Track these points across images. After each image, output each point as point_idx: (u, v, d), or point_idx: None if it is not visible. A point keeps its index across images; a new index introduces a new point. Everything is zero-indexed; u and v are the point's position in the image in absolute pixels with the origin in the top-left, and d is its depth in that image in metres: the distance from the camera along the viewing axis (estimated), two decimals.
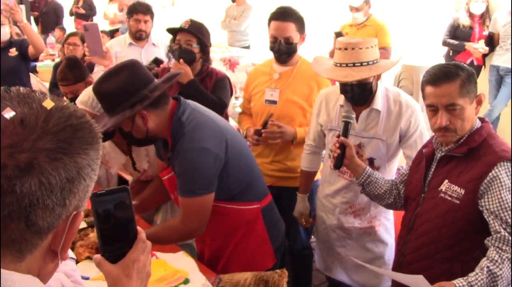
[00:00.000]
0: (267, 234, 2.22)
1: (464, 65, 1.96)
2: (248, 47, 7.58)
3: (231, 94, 3.21)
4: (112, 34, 8.90)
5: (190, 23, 3.06)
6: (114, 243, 0.99)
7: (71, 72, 3.04)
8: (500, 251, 1.77)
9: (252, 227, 2.20)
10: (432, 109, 1.92)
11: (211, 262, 2.25)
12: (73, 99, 3.07)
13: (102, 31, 8.22)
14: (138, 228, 1.02)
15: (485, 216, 1.83)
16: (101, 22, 9.74)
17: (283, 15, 2.80)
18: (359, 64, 2.26)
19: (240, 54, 6.86)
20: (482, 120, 1.99)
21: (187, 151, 1.96)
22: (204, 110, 2.13)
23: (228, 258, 2.21)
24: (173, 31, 3.08)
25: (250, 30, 7.65)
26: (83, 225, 2.53)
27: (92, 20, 9.69)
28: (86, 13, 9.57)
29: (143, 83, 1.95)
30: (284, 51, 2.82)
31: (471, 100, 1.89)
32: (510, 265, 1.75)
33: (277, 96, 2.86)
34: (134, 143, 2.14)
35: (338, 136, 2.25)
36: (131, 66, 1.97)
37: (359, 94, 2.35)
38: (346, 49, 2.27)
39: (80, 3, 9.63)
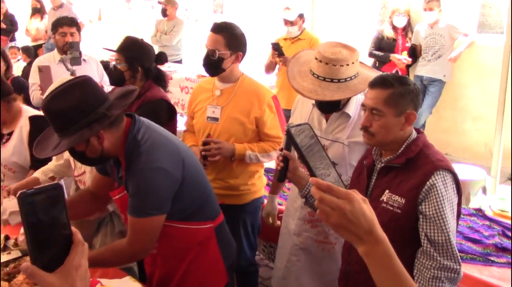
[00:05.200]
0: (220, 253, 2.19)
1: (410, 82, 2.03)
2: (180, 62, 7.53)
3: (171, 115, 3.09)
4: (35, 50, 8.55)
5: (122, 41, 3.04)
6: (47, 248, 0.89)
7: None
8: (425, 270, 1.89)
9: (205, 247, 2.15)
10: (363, 109, 2.04)
11: (162, 284, 2.18)
12: None
13: (23, 48, 7.94)
14: (73, 228, 0.93)
15: (419, 223, 1.92)
16: (23, 37, 9.34)
17: (217, 27, 2.79)
18: (336, 80, 2.24)
19: (173, 68, 6.80)
20: (417, 131, 2.09)
21: (143, 171, 1.90)
22: (158, 128, 2.07)
23: (180, 280, 2.15)
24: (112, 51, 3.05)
25: (182, 45, 7.62)
26: (16, 254, 2.39)
27: (14, 36, 9.28)
28: (7, 28, 9.11)
29: (98, 101, 1.85)
30: (206, 62, 2.78)
31: (397, 113, 1.97)
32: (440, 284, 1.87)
33: (219, 113, 2.83)
34: (86, 162, 2.04)
35: (281, 150, 2.26)
36: (84, 83, 1.86)
37: (325, 104, 2.36)
38: (327, 63, 2.24)
39: (0, 18, 9.17)
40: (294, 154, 2.51)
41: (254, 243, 3.10)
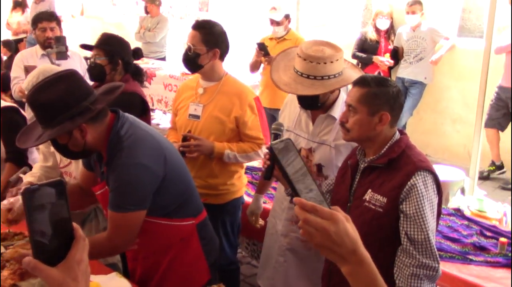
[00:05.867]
0: (202, 250, 2.20)
1: (390, 84, 2.06)
2: (163, 59, 7.50)
3: (144, 111, 3.10)
4: (16, 44, 8.44)
5: (100, 37, 3.08)
6: (50, 243, 0.90)
7: None
8: (404, 268, 1.94)
9: (187, 244, 2.17)
10: (345, 105, 2.13)
11: (144, 280, 2.19)
12: None
13: (3, 41, 7.83)
14: (74, 224, 0.94)
15: (400, 222, 1.97)
16: (4, 31, 9.20)
17: (196, 24, 2.83)
18: (312, 77, 2.28)
19: (157, 66, 6.78)
20: (401, 132, 2.13)
21: (124, 166, 1.91)
22: (143, 125, 2.09)
23: (162, 276, 2.16)
24: (87, 49, 3.04)
25: (166, 42, 7.59)
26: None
27: None
28: None
29: (83, 94, 1.87)
30: (184, 57, 2.83)
31: (370, 112, 2.02)
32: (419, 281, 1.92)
33: (200, 111, 2.85)
34: (68, 156, 2.06)
35: (268, 148, 2.29)
36: (70, 76, 1.88)
37: (303, 99, 2.41)
38: (305, 59, 2.29)
39: None
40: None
41: (234, 242, 3.11)
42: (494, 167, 5.65)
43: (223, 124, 2.82)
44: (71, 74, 1.90)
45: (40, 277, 0.90)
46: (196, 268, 2.21)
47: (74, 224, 0.94)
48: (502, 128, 5.45)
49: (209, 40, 2.77)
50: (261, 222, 2.89)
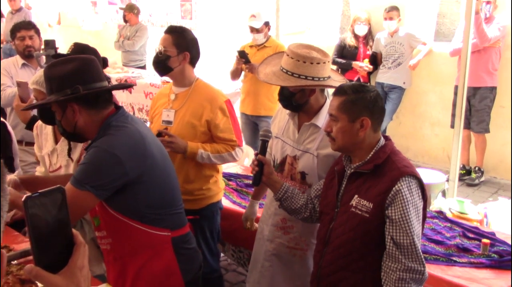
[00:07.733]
0: (177, 265, 2.17)
1: (368, 90, 2.11)
2: (143, 67, 7.47)
3: None
4: None
5: (73, 47, 3.11)
6: (50, 249, 0.91)
7: None
8: (391, 273, 1.98)
9: (158, 253, 2.14)
10: (328, 115, 2.20)
11: (115, 285, 2.18)
12: None
13: None
14: (73, 230, 0.95)
15: (386, 227, 2.01)
16: None
17: (168, 29, 2.92)
18: (290, 73, 2.34)
19: (137, 74, 6.75)
20: (385, 137, 2.17)
21: (98, 148, 1.97)
22: (139, 125, 2.10)
23: (132, 284, 2.15)
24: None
25: (146, 50, 7.56)
26: None
27: None
28: None
29: (85, 79, 1.98)
30: (154, 60, 2.90)
31: (351, 119, 2.07)
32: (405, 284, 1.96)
33: (173, 117, 2.89)
34: (63, 133, 2.16)
35: (257, 154, 2.32)
36: (83, 60, 2.04)
37: (280, 95, 2.47)
38: (288, 55, 2.35)
39: None
40: (269, 159, 2.57)
41: (215, 249, 3.10)
42: (464, 171, 5.68)
43: (194, 128, 2.86)
44: (85, 59, 2.05)
45: (43, 285, 0.91)
46: (168, 283, 2.17)
47: (74, 230, 0.95)
48: (468, 125, 5.49)
49: (180, 43, 2.84)
50: (255, 226, 2.91)
